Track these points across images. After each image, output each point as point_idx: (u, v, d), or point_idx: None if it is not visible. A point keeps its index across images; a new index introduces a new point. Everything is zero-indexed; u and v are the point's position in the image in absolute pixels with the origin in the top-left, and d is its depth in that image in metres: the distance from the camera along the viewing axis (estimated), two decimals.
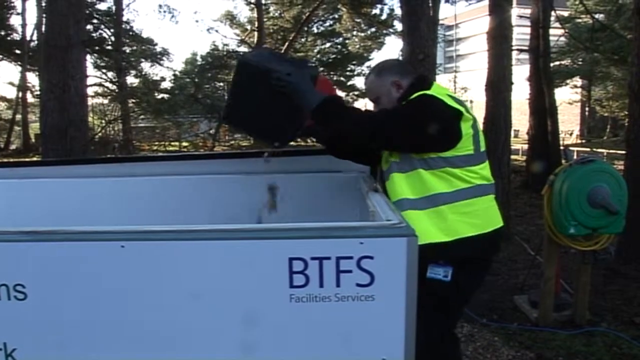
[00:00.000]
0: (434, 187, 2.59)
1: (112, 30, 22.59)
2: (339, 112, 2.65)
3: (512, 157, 10.62)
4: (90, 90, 19.48)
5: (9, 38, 26.80)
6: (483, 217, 2.67)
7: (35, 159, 18.02)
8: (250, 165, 3.49)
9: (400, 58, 8.29)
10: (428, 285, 2.51)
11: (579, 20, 22.93)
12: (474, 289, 2.91)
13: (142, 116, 24.28)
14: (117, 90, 22.53)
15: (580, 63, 25.46)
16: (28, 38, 26.41)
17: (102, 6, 23.42)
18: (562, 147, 13.85)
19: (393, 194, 2.69)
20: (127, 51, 24.18)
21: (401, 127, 2.59)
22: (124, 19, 23.36)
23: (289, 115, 2.79)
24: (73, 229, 1.98)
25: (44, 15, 11.29)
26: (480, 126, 2.84)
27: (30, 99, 29.30)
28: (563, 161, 11.24)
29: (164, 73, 36.58)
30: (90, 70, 20.91)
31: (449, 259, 2.61)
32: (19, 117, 29.51)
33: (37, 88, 22.44)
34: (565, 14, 23.48)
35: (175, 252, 1.92)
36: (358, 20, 26.67)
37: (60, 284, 1.94)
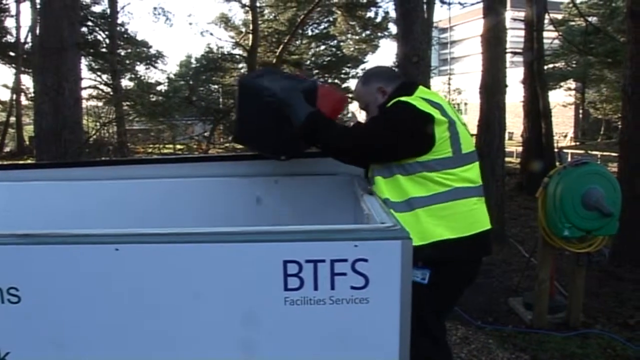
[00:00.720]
0: (410, 192, 2.64)
1: (106, 33, 22.52)
2: (321, 127, 2.74)
3: (507, 159, 10.66)
4: (84, 93, 19.47)
5: (3, 40, 26.70)
6: (463, 220, 2.68)
7: (29, 161, 17.97)
8: (245, 167, 3.49)
9: (395, 61, 8.30)
10: None
11: (573, 23, 23.05)
12: (457, 292, 2.92)
13: (136, 119, 24.23)
14: (111, 93, 22.47)
15: (574, 66, 25.52)
16: (22, 40, 26.35)
17: (96, 9, 23.46)
18: (556, 150, 13.88)
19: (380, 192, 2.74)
20: (122, 54, 24.17)
21: (374, 137, 2.68)
22: (119, 21, 23.36)
23: (290, 129, 2.83)
24: (67, 231, 1.98)
25: (39, 17, 11.29)
26: (466, 128, 2.83)
27: (24, 101, 29.22)
28: (557, 163, 11.27)
29: (158, 76, 36.62)
30: (84, 72, 20.87)
31: (426, 262, 2.63)
32: (13, 119, 29.39)
33: (32, 90, 22.37)
34: (559, 16, 23.58)
35: (169, 255, 1.92)
36: (352, 23, 26.68)
37: (54, 288, 1.93)
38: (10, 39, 26.93)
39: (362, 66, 29.50)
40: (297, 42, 27.63)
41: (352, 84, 29.64)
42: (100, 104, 23.90)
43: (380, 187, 2.72)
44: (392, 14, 23.13)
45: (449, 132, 2.67)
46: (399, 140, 2.64)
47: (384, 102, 2.84)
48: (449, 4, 24.43)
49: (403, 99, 2.71)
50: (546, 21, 14.28)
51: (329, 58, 28.86)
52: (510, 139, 26.78)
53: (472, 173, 2.76)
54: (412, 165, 2.65)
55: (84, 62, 20.20)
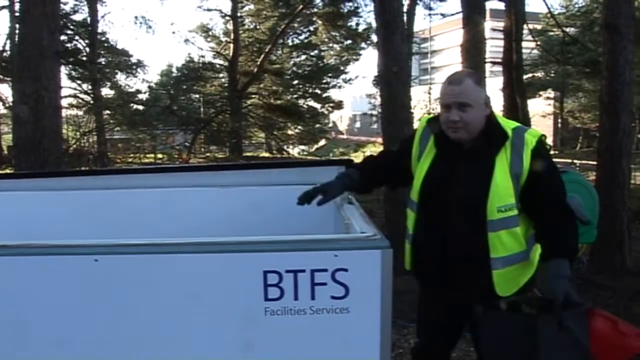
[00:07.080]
0: (528, 229, 2.73)
1: (86, 41, 22.39)
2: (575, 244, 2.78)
3: None
4: (64, 102, 19.27)
5: None
6: None
7: (7, 171, 17.76)
8: (226, 177, 3.48)
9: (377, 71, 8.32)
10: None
11: (551, 34, 23.29)
12: None
13: (117, 128, 24.11)
14: (91, 102, 22.32)
15: (552, 75, 25.86)
16: (1, 48, 26.10)
17: (77, 17, 23.23)
18: None
19: (510, 249, 2.65)
20: (102, 62, 24.02)
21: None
22: (99, 30, 23.20)
23: None
24: (45, 243, 1.96)
25: (17, 25, 11.19)
26: None
27: (2, 110, 28.89)
28: None
29: (139, 85, 36.40)
30: (64, 81, 20.66)
31: None
32: None
33: (10, 99, 22.15)
34: (538, 27, 23.83)
35: (149, 266, 1.92)
36: (334, 32, 26.73)
37: (32, 299, 1.92)
38: None
39: (343, 76, 29.60)
40: (278, 52, 27.68)
41: (332, 93, 29.73)
42: (80, 112, 23.70)
43: (508, 242, 2.62)
44: (374, 23, 23.22)
45: None
46: None
47: (493, 123, 2.62)
48: (430, 14, 24.56)
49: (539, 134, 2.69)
50: (525, 31, 14.44)
51: (310, 67, 28.87)
52: None
53: None
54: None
55: (63, 71, 20.10)
